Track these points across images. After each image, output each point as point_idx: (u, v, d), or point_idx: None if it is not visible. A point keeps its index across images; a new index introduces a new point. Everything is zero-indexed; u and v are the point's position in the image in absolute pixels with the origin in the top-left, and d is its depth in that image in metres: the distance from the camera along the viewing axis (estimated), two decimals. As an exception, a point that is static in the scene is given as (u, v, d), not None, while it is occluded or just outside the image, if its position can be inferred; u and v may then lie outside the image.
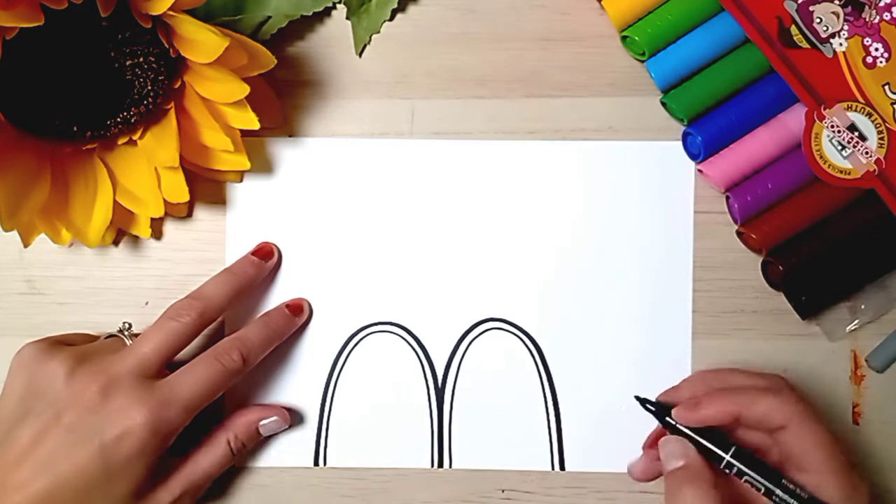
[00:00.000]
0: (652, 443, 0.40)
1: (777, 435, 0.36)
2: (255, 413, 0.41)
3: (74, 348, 0.38)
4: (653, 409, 0.39)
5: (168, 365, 0.38)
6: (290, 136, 0.43)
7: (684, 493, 0.34)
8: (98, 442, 0.35)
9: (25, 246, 0.38)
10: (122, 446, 0.35)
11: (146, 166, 0.39)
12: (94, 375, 0.36)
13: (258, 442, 0.42)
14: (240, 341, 0.39)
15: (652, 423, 0.40)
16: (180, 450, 0.39)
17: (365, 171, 0.43)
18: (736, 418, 0.36)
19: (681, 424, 0.37)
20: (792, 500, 0.34)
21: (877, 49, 0.40)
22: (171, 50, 0.36)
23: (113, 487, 0.36)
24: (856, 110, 0.40)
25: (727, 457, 0.36)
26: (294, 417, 0.42)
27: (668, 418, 0.38)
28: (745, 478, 0.36)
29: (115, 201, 0.39)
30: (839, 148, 0.39)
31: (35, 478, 0.35)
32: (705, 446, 0.36)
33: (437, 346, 0.42)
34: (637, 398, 0.39)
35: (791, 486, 0.35)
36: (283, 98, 0.43)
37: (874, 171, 0.40)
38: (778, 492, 0.35)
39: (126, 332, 0.41)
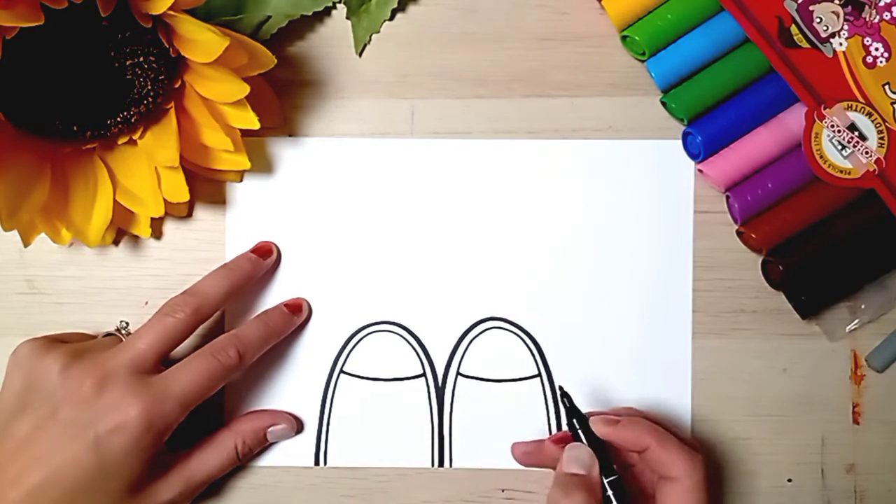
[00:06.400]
0: (557, 440, 0.39)
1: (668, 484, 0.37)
2: (265, 419, 0.41)
3: (70, 345, 0.38)
4: (568, 405, 0.39)
5: (165, 361, 0.38)
6: (290, 136, 0.43)
7: (576, 497, 0.36)
8: (92, 436, 0.35)
9: (25, 246, 0.38)
10: (116, 440, 0.36)
11: (146, 166, 0.39)
12: (88, 370, 0.36)
13: (264, 447, 0.42)
14: (237, 338, 0.39)
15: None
16: (183, 446, 0.39)
17: (365, 171, 0.43)
18: (645, 449, 0.37)
19: (595, 434, 0.38)
20: None
21: (877, 49, 0.40)
22: (171, 50, 0.36)
23: (108, 481, 0.36)
24: (856, 110, 0.40)
25: (606, 481, 0.37)
26: (295, 420, 0.42)
27: (575, 422, 0.38)
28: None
29: (115, 201, 0.39)
30: (839, 148, 0.39)
31: (30, 472, 0.35)
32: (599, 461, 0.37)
33: (437, 345, 0.42)
34: (560, 388, 0.39)
35: None
36: (283, 98, 0.43)
37: (874, 170, 0.40)
38: None
39: (123, 331, 0.41)
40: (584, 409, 0.39)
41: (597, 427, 0.38)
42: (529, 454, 0.40)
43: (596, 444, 0.38)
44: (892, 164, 0.39)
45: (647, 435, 0.37)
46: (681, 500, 0.36)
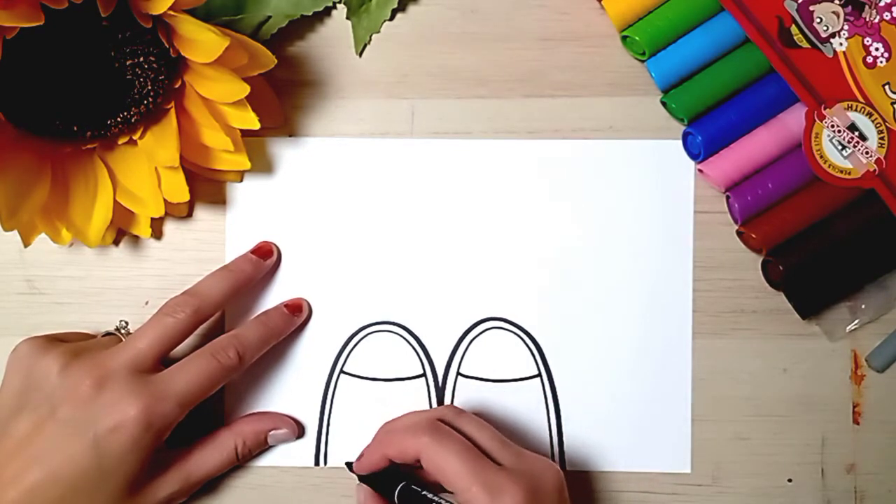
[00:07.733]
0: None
1: (424, 468, 0.36)
2: (267, 422, 0.41)
3: (70, 344, 0.38)
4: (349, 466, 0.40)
5: (164, 361, 0.38)
6: (290, 136, 0.43)
7: None
8: (92, 435, 0.35)
9: (25, 246, 0.38)
10: (115, 439, 0.36)
11: (146, 166, 0.39)
12: (88, 370, 0.36)
13: (263, 449, 0.42)
14: (237, 339, 0.39)
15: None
16: (181, 444, 0.39)
17: (365, 171, 0.43)
18: (388, 459, 0.37)
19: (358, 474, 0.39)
20: None
21: (877, 49, 0.40)
22: (171, 50, 0.36)
23: (107, 480, 0.36)
24: (856, 110, 0.40)
25: (396, 493, 0.37)
26: (297, 425, 0.42)
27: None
28: None
29: (115, 201, 0.39)
30: (839, 148, 0.40)
31: (29, 471, 0.35)
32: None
33: (437, 345, 0.42)
34: (346, 464, 0.40)
35: None
36: (283, 98, 0.43)
37: (874, 170, 0.40)
38: None
39: (122, 331, 0.41)
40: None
41: (354, 467, 0.39)
42: None
43: (386, 470, 0.38)
44: (892, 164, 0.39)
45: (383, 451, 0.37)
46: (441, 474, 0.35)
